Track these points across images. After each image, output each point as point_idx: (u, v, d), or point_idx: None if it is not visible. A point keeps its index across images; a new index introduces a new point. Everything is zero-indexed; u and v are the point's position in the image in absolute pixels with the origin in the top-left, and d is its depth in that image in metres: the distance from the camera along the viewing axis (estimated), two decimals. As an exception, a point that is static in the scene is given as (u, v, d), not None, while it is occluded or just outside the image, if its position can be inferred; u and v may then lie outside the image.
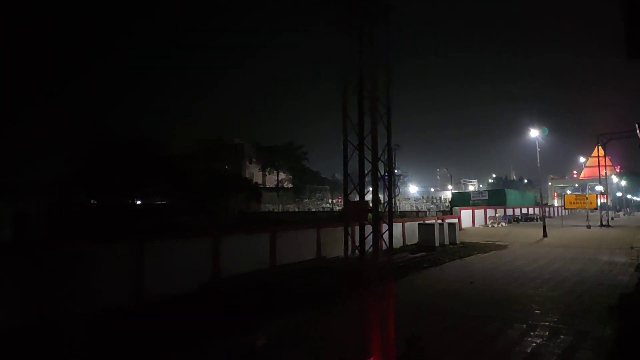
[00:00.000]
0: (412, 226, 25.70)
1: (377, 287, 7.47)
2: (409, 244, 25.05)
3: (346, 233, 7.88)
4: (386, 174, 7.27)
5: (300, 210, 58.80)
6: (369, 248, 7.65)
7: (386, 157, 8.58)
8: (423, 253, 20.84)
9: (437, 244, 22.92)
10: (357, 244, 10.30)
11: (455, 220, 28.25)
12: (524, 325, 9.55)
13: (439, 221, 25.52)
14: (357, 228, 11.40)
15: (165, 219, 35.48)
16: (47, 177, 50.22)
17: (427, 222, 24.34)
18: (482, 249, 22.75)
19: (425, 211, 46.07)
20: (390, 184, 7.47)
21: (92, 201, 48.95)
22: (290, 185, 74.35)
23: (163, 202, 51.10)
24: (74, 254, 11.23)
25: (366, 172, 10.09)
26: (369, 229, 10.15)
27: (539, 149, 29.02)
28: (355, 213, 7.75)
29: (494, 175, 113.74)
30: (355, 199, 10.35)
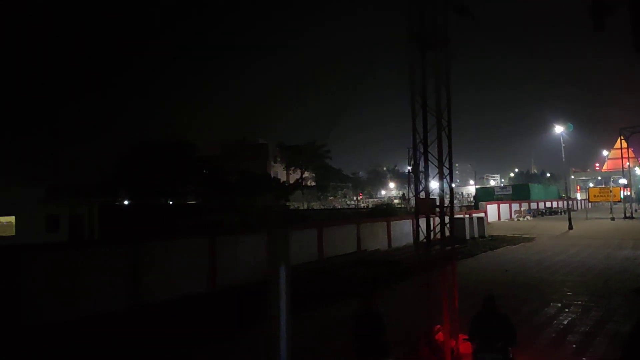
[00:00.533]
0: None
1: (431, 272, 8.96)
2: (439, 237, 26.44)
3: (417, 225, 9.40)
4: (447, 175, 8.73)
5: (325, 207, 60.43)
6: (421, 239, 9.06)
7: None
8: (456, 245, 22.20)
9: (467, 237, 24.30)
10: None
11: (483, 215, 29.54)
12: (559, 304, 10.98)
13: (467, 215, 26.88)
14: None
15: (200, 217, 37.49)
16: (87, 180, 52.57)
17: (457, 216, 25.73)
18: (511, 242, 24.03)
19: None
20: (451, 184, 8.94)
21: (128, 202, 51.43)
22: (313, 183, 76.01)
23: (194, 202, 53.25)
24: (159, 248, 13.03)
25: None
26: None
27: (563, 144, 30.05)
28: (425, 208, 9.22)
29: (516, 170, 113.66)
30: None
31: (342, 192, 76.82)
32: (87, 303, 10.70)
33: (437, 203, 9.08)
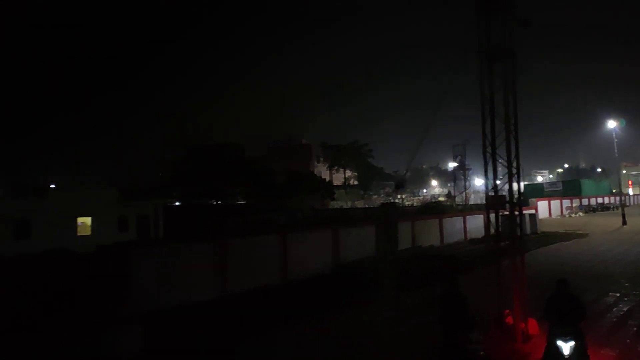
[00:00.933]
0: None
1: (500, 263, 9.86)
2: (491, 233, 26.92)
3: (489, 219, 10.37)
4: (515, 174, 9.63)
5: (368, 206, 61.19)
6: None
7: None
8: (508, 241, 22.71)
9: (524, 232, 24.67)
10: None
11: (533, 211, 29.68)
12: (617, 294, 11.61)
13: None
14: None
15: (249, 217, 39.18)
16: (146, 182, 55.47)
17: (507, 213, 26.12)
18: (564, 238, 24.26)
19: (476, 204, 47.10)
20: (519, 182, 9.83)
21: (179, 202, 53.94)
22: (356, 182, 76.95)
23: (242, 203, 55.19)
24: (241, 244, 14.46)
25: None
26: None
27: (616, 139, 29.71)
28: (497, 204, 10.18)
29: (565, 165, 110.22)
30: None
31: (385, 190, 77.36)
32: (183, 293, 12.22)
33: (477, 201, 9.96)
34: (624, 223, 29.76)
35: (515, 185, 10.17)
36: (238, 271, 13.79)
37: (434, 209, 32.29)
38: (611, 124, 29.90)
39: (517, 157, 9.61)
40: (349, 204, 73.18)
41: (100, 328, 8.09)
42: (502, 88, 9.34)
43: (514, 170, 9.62)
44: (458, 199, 56.17)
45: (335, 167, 74.14)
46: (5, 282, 9.90)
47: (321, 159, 74.87)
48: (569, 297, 6.77)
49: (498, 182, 10.10)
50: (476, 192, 77.83)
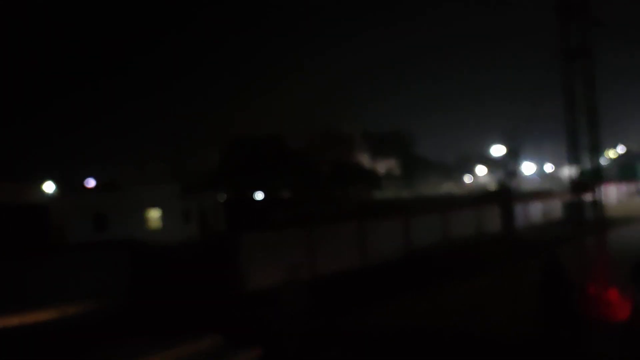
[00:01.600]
0: (554, 204, 27.83)
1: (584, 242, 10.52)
2: (552, 219, 27.08)
3: (578, 202, 11.05)
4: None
5: (415, 196, 61.29)
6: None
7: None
8: (570, 228, 22.84)
9: (584, 218, 24.67)
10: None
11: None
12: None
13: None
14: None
15: (297, 209, 39.88)
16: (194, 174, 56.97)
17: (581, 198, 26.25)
18: (628, 221, 24.14)
19: (550, 190, 46.45)
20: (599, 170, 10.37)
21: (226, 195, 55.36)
22: (398, 172, 76.85)
23: (288, 195, 55.84)
24: (325, 231, 15.41)
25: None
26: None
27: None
28: (581, 189, 10.74)
29: (617, 151, 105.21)
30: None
31: (433, 180, 77.19)
32: (281, 273, 13.22)
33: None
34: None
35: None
36: (324, 255, 14.74)
37: (490, 197, 32.34)
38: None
39: (596, 146, 10.16)
40: (393, 194, 73.43)
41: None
42: (582, 84, 9.88)
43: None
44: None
45: (378, 157, 74.27)
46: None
47: (364, 149, 75.13)
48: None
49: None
50: (525, 179, 76.31)
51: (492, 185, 72.04)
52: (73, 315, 9.68)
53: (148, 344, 7.34)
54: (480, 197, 28.05)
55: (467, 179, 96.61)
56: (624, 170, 49.40)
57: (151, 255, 11.69)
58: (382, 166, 74.20)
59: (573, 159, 10.63)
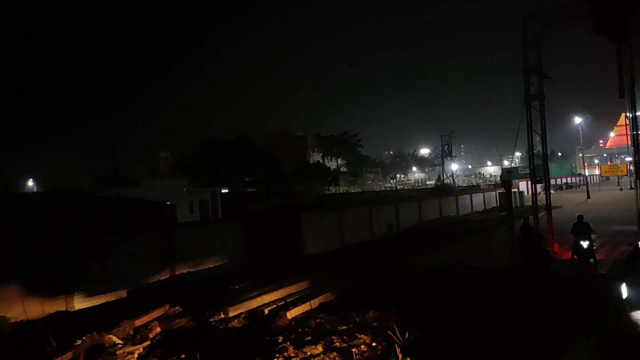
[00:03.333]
0: (489, 195, 35.31)
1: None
2: (488, 207, 34.57)
3: (535, 192, 17.35)
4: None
5: (364, 190, 68.29)
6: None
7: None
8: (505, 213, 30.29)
9: (513, 206, 32.30)
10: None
11: (522, 189, 37.58)
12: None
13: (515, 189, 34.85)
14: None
15: (270, 201, 44.98)
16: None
17: (512, 190, 33.88)
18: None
19: (479, 185, 55.31)
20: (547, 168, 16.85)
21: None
22: (345, 170, 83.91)
23: (254, 190, 60.68)
24: (348, 212, 21.08)
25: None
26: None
27: (581, 132, 37.75)
28: (505, 186, 17.26)
29: (517, 153, 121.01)
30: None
31: (372, 176, 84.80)
32: (326, 243, 18.75)
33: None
34: (588, 197, 38.03)
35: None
36: (349, 229, 20.43)
37: (443, 190, 39.63)
38: (577, 119, 37.86)
39: (531, 150, 16.69)
40: (342, 190, 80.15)
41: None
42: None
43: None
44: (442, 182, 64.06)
45: (328, 156, 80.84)
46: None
47: (316, 149, 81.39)
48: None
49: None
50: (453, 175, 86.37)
51: (430, 181, 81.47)
52: (220, 266, 14.72)
53: (265, 284, 12.23)
54: (436, 190, 34.96)
55: (401, 176, 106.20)
56: (539, 168, 59.39)
57: (253, 229, 16.71)
58: (332, 164, 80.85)
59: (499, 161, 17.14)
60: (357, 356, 7.54)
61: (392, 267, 13.96)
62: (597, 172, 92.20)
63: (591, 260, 13.97)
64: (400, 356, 7.16)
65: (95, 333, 8.53)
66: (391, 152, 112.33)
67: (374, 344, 7.98)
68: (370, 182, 78.87)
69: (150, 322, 9.92)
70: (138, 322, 9.63)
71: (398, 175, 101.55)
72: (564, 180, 58.25)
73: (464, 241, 18.93)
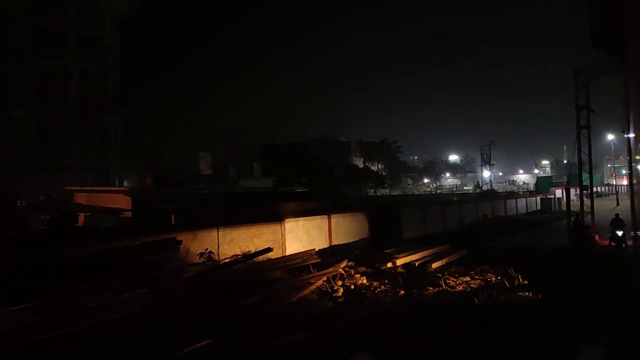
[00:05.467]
0: (530, 200, 40.96)
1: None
2: (529, 210, 40.19)
3: (568, 197, 23.10)
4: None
5: (404, 193, 74.07)
6: None
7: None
8: (548, 214, 35.94)
9: (552, 209, 37.93)
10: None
11: (559, 195, 43.06)
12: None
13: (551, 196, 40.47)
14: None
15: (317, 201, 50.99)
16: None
17: (548, 196, 39.45)
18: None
19: (516, 192, 60.59)
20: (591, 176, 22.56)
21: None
22: (384, 174, 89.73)
23: (305, 190, 67.28)
24: (433, 208, 27.16)
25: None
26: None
27: (613, 147, 42.84)
28: (545, 191, 22.89)
29: (544, 162, 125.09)
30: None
31: (409, 180, 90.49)
32: (414, 231, 24.85)
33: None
34: (617, 204, 43.23)
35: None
36: (431, 222, 26.51)
37: (489, 195, 45.33)
38: (610, 136, 42.91)
39: (580, 167, 22.43)
40: (381, 193, 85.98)
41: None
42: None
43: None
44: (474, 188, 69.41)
45: (369, 161, 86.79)
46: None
47: (358, 154, 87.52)
48: (619, 218, 19.71)
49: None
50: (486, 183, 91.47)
51: (466, 187, 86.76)
52: (357, 241, 20.97)
53: (402, 250, 18.49)
54: (485, 194, 40.64)
55: (434, 180, 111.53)
56: (572, 178, 64.58)
57: (374, 214, 22.97)
58: (373, 169, 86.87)
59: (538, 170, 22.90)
60: (491, 282, 13.61)
61: (481, 246, 20.01)
62: (624, 182, 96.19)
63: (623, 245, 19.75)
64: (520, 280, 13.21)
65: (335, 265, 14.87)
66: (415, 158, 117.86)
67: (499, 278, 14.03)
68: (410, 185, 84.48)
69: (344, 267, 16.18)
70: (341, 265, 15.87)
71: (426, 180, 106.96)
72: (595, 189, 62.91)
73: (526, 232, 24.84)
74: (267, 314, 9.97)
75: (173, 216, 15.37)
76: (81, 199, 18.03)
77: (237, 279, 11.16)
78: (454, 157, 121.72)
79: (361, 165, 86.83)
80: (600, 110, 24.16)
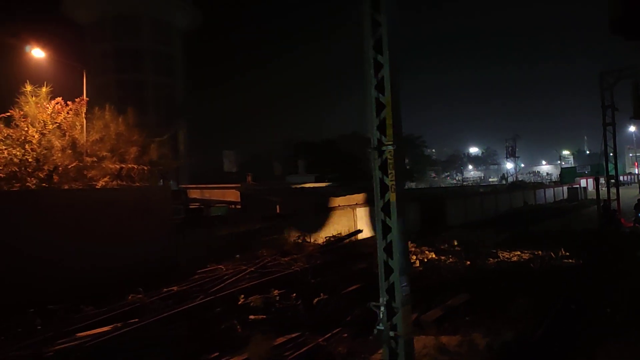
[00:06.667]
0: (557, 190, 43.99)
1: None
2: (557, 199, 43.23)
3: (598, 188, 26.30)
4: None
5: (431, 186, 77.30)
6: None
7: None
8: (575, 202, 39.01)
9: (579, 198, 40.96)
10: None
11: (584, 185, 45.98)
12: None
13: (575, 186, 43.48)
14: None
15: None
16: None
17: (574, 186, 42.51)
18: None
19: (542, 182, 63.35)
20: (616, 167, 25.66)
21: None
22: (409, 167, 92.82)
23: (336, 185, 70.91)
24: (470, 199, 30.55)
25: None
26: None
27: (634, 137, 45.43)
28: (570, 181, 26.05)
29: (564, 152, 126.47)
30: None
31: (433, 174, 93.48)
32: (456, 219, 28.25)
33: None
34: (640, 192, 45.95)
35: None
36: (472, 210, 29.90)
37: (519, 185, 48.51)
38: (632, 128, 45.50)
39: (607, 161, 25.56)
40: (407, 186, 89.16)
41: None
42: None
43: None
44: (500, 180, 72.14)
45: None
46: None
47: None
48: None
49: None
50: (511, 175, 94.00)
51: (491, 179, 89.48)
52: (411, 227, 24.52)
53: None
54: (514, 185, 43.90)
55: (456, 173, 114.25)
56: (595, 168, 67.00)
57: (423, 203, 26.48)
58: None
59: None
60: (541, 255, 17.05)
61: (520, 230, 23.39)
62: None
63: (646, 225, 22.95)
64: (562, 252, 16.62)
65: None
66: (433, 150, 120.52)
67: (544, 252, 17.44)
68: (435, 178, 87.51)
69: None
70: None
71: (447, 173, 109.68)
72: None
73: (557, 218, 28.08)
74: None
75: (278, 206, 19.04)
76: (194, 194, 21.87)
77: (349, 250, 14.84)
78: (474, 150, 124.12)
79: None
80: (623, 107, 27.08)
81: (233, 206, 19.78)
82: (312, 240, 18.61)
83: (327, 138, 69.78)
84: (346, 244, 16.84)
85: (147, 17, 33.89)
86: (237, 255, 14.18)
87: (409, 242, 20.02)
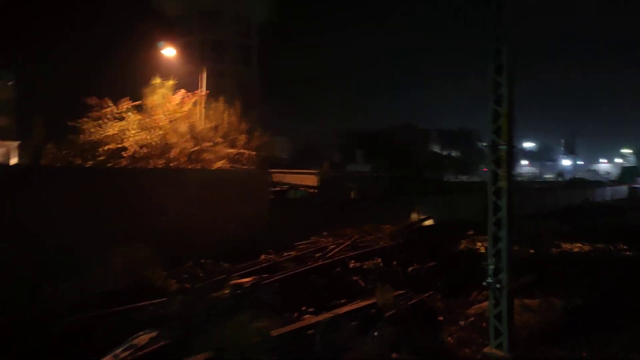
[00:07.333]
0: (617, 189, 43.91)
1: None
2: (615, 198, 43.18)
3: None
4: None
5: (482, 180, 77.32)
6: None
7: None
8: (637, 201, 39.02)
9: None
10: None
11: (643, 184, 45.69)
12: None
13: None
14: None
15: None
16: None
17: (634, 186, 42.46)
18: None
19: (602, 181, 62.42)
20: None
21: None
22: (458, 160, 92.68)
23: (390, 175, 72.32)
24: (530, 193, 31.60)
25: None
26: None
27: None
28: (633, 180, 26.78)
29: (622, 150, 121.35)
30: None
31: (484, 167, 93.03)
32: (519, 211, 29.40)
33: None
34: None
35: None
36: (529, 204, 30.93)
37: (579, 183, 48.65)
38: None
39: None
40: (459, 179, 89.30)
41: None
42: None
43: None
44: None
45: (447, 149, 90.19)
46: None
47: (435, 142, 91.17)
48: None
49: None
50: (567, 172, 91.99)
51: (546, 175, 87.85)
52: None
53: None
54: (573, 182, 44.14)
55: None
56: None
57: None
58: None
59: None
60: (598, 247, 18.36)
61: (582, 224, 24.49)
62: None
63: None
64: (621, 246, 17.90)
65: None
66: (485, 144, 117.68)
67: (603, 245, 18.70)
68: (485, 170, 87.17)
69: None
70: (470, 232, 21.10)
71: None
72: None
73: (617, 215, 28.83)
74: (451, 253, 15.61)
75: (352, 192, 21.25)
76: (277, 177, 24.42)
77: (421, 234, 16.92)
78: (529, 145, 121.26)
79: (440, 153, 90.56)
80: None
81: (312, 190, 22.09)
82: (386, 224, 20.72)
83: (381, 127, 71.26)
84: (416, 228, 18.83)
85: (228, 11, 36.82)
86: (325, 232, 16.49)
87: (472, 231, 21.80)
